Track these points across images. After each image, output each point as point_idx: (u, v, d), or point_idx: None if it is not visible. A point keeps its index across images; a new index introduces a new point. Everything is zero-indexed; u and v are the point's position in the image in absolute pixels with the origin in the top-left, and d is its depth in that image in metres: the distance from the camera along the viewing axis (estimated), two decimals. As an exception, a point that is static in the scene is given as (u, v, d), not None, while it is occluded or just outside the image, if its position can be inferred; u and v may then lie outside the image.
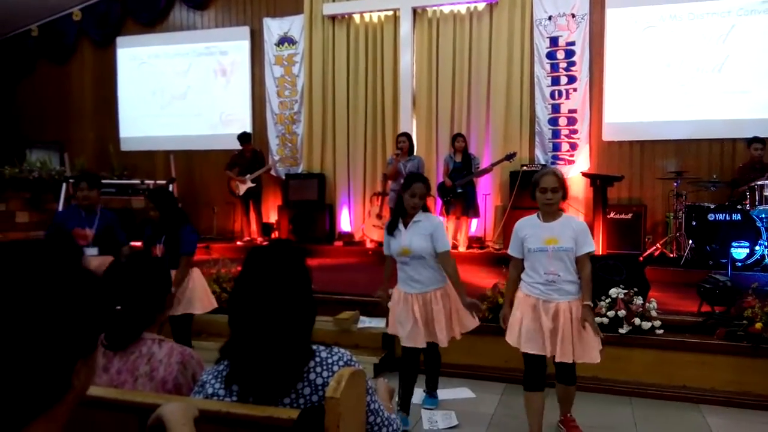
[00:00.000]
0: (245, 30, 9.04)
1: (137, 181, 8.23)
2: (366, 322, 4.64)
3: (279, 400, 1.43)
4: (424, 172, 7.29)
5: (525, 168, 7.38)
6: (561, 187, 3.11)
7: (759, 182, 5.80)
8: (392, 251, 3.54)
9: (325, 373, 1.46)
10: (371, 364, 4.48)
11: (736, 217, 5.79)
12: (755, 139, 6.32)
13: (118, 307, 1.65)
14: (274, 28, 8.84)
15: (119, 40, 9.72)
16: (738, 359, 3.89)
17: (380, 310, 4.16)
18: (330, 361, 1.49)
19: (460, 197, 7.11)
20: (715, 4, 7.12)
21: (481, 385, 4.21)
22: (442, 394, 4.02)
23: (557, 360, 3.13)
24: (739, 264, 5.64)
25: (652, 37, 7.37)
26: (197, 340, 4.13)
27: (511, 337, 3.22)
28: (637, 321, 4.06)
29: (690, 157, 7.14)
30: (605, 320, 4.12)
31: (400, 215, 3.51)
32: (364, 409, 1.50)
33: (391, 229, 3.53)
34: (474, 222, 7.49)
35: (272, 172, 8.69)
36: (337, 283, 4.34)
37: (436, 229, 3.43)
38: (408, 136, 7.07)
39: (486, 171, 7.23)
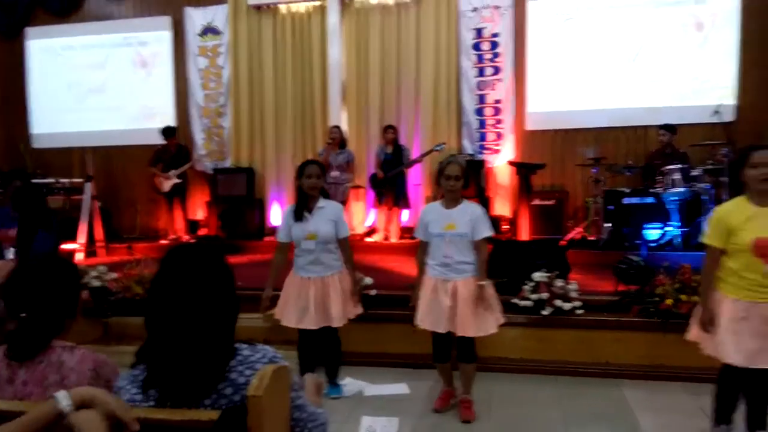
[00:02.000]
0: (166, 20, 8.70)
1: (52, 180, 7.79)
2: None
3: (200, 402, 1.40)
4: (355, 165, 7.31)
5: (454, 158, 7.52)
6: (463, 176, 3.38)
7: (669, 167, 6.16)
8: (295, 237, 3.64)
9: (247, 372, 1.44)
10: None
11: (649, 200, 6.15)
12: (660, 126, 6.71)
13: (23, 315, 1.56)
14: (196, 18, 8.56)
15: (28, 30, 9.13)
16: (651, 335, 4.14)
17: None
18: (253, 359, 1.47)
19: (391, 188, 7.17)
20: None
21: (420, 374, 4.21)
22: (376, 389, 4.04)
23: (458, 334, 3.39)
24: (653, 244, 5.99)
25: (572, 28, 7.67)
26: (118, 345, 3.96)
27: (416, 317, 3.50)
28: (558, 302, 4.24)
29: (608, 144, 7.49)
30: (529, 303, 4.29)
31: (304, 201, 3.63)
32: (288, 406, 1.49)
33: (299, 215, 3.63)
34: (405, 212, 7.58)
35: (197, 167, 8.45)
36: (267, 279, 4.27)
37: (339, 215, 3.67)
38: (340, 129, 7.05)
39: (416, 161, 7.31)
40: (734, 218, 2.75)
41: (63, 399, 1.24)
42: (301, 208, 3.64)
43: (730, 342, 2.74)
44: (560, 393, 3.92)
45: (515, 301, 4.37)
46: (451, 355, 3.60)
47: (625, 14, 7.51)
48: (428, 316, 3.44)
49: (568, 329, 4.29)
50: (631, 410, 3.62)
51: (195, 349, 1.41)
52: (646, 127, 7.35)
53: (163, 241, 7.81)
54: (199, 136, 8.65)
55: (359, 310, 3.85)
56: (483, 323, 3.40)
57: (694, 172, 6.13)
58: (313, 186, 3.61)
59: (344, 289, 3.70)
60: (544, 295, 4.28)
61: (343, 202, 6.75)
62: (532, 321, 4.32)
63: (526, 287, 4.38)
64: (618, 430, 3.41)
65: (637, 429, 3.38)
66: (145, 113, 8.81)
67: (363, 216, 8.10)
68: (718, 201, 6.14)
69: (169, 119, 8.52)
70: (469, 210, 3.43)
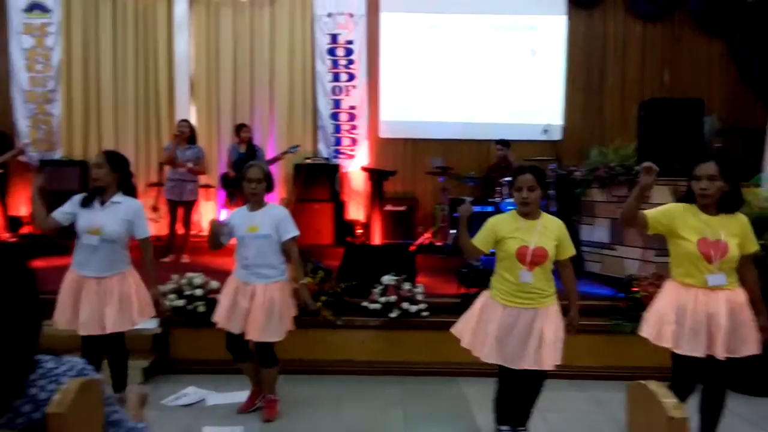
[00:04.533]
0: (-17, -10, 7.66)
1: None
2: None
3: (-10, 423, 1.20)
4: (205, 162, 6.96)
5: (309, 161, 7.48)
6: (265, 179, 3.46)
7: (506, 178, 6.65)
8: (79, 228, 3.27)
9: (50, 386, 1.27)
10: (140, 368, 4.12)
11: (489, 209, 6.58)
12: (498, 141, 7.25)
13: None
14: (21, -9, 7.63)
15: None
16: (488, 333, 4.40)
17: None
18: (57, 371, 1.30)
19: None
20: (473, 18, 7.96)
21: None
22: (220, 398, 3.83)
23: (247, 338, 3.42)
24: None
25: (422, 43, 8.01)
26: None
27: (216, 317, 3.51)
28: (405, 305, 4.36)
29: (454, 155, 7.91)
30: (378, 306, 4.36)
31: (97, 191, 3.31)
32: (100, 423, 1.34)
33: (87, 202, 3.28)
34: (258, 214, 7.36)
35: (22, 158, 7.50)
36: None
37: (136, 215, 3.34)
38: (190, 123, 6.67)
39: (270, 162, 7.13)
40: (504, 228, 3.06)
41: None
42: (91, 198, 3.30)
43: (498, 346, 2.93)
44: (404, 392, 4.03)
45: (365, 304, 4.42)
46: (252, 354, 3.56)
47: (470, 35, 8.01)
48: (227, 317, 3.44)
49: (413, 331, 4.42)
50: (468, 405, 3.82)
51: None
52: (488, 141, 7.87)
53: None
54: (23, 123, 7.71)
55: (147, 316, 3.46)
56: (271, 330, 3.38)
57: (527, 184, 6.67)
58: (97, 178, 3.27)
59: (125, 293, 3.31)
60: (392, 298, 4.37)
61: (192, 201, 6.41)
62: (381, 324, 4.40)
63: (375, 290, 4.44)
64: (454, 424, 3.56)
65: (472, 423, 3.56)
66: (-46, 94, 7.66)
67: (214, 216, 7.75)
68: (547, 212, 6.76)
69: (-15, 103, 7.49)
70: (272, 212, 3.48)
